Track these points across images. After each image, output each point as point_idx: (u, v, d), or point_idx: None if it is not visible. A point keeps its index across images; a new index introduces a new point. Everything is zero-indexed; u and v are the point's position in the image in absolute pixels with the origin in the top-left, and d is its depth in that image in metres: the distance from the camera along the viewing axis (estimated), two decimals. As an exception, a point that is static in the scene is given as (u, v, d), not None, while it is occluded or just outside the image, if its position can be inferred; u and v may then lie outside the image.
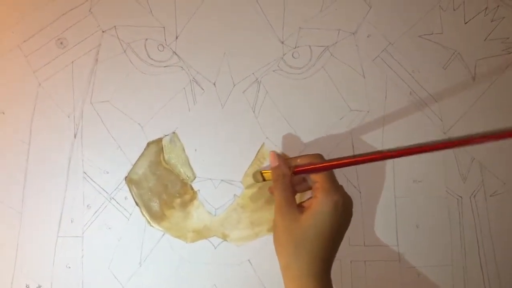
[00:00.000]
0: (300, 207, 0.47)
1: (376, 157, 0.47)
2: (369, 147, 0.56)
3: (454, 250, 0.56)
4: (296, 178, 0.49)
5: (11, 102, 0.55)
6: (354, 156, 0.47)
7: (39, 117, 0.55)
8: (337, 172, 0.54)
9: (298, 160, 0.49)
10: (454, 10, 0.57)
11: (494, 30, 0.57)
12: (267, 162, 0.55)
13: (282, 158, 0.49)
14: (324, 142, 0.54)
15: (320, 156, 0.49)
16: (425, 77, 0.57)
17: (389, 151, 0.46)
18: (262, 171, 0.52)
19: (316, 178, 0.47)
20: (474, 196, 0.56)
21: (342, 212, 0.45)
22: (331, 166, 0.47)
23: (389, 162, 0.56)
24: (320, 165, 0.47)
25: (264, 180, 0.52)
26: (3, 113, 0.54)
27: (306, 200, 0.48)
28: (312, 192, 0.47)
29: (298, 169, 0.48)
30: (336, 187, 0.46)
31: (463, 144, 0.45)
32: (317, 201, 0.45)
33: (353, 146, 0.56)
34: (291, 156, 0.54)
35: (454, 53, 0.57)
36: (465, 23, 0.57)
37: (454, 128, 0.56)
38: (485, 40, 0.57)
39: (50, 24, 0.55)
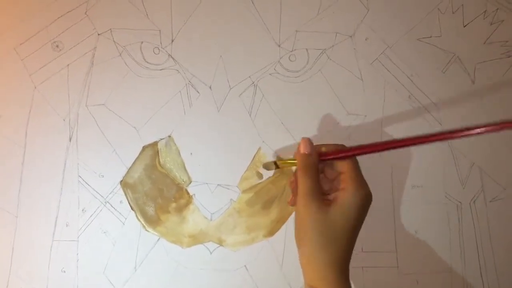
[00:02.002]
0: (325, 199, 0.46)
1: (408, 143, 0.45)
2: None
3: (454, 256, 0.55)
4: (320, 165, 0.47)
5: (6, 105, 0.54)
6: (384, 142, 0.45)
7: (35, 120, 0.54)
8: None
9: (323, 148, 0.47)
10: (453, 13, 0.56)
11: (493, 33, 0.56)
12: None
13: (313, 146, 0.47)
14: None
15: (343, 146, 0.47)
16: (424, 81, 0.56)
17: (420, 136, 0.44)
18: (278, 161, 0.50)
19: (344, 169, 0.46)
20: (474, 201, 0.56)
21: (366, 207, 0.45)
22: (361, 152, 0.46)
23: (388, 167, 0.56)
24: (348, 152, 0.46)
25: (277, 167, 0.50)
26: (-1, 116, 0.54)
27: (331, 194, 0.47)
28: (340, 183, 0.46)
29: (323, 158, 0.46)
30: (364, 180, 0.46)
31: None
32: (347, 193, 0.44)
33: (351, 151, 0.55)
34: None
35: (453, 57, 0.56)
36: (464, 26, 0.56)
37: (454, 132, 0.56)
38: (484, 43, 0.56)
39: (46, 27, 0.55)
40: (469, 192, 0.56)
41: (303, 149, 0.47)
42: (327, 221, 0.43)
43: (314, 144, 0.47)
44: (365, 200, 0.44)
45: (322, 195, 0.45)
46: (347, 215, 0.44)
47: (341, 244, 0.44)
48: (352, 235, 0.44)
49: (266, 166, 0.51)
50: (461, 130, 0.42)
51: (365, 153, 0.46)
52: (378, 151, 0.46)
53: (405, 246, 0.55)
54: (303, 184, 0.45)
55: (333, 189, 0.47)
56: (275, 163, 0.50)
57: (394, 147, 0.45)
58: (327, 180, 0.49)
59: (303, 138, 0.47)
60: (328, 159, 0.47)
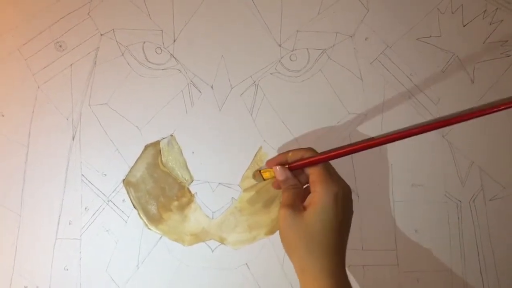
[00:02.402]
0: (304, 206, 0.46)
1: (365, 145, 0.46)
2: (367, 151, 0.55)
3: (453, 254, 0.56)
4: (295, 171, 0.49)
5: (10, 104, 0.55)
6: (343, 147, 0.46)
7: (38, 120, 0.55)
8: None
9: (290, 154, 0.49)
10: (452, 13, 0.56)
11: (492, 33, 0.56)
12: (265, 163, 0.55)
13: (286, 169, 0.48)
14: (322, 146, 0.54)
15: (310, 148, 0.49)
16: (424, 80, 0.56)
17: (376, 138, 0.46)
18: (262, 171, 0.51)
19: (312, 171, 0.47)
20: (474, 200, 0.56)
21: (343, 203, 0.45)
22: (321, 160, 0.47)
23: (387, 166, 0.56)
24: (311, 160, 0.47)
25: (264, 179, 0.52)
26: (3, 115, 0.55)
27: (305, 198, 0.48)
28: (310, 187, 0.47)
29: (291, 167, 0.48)
30: (333, 178, 0.46)
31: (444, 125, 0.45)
32: (317, 196, 0.45)
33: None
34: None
35: (452, 56, 0.56)
36: (464, 26, 0.56)
37: (453, 131, 0.56)
38: (484, 43, 0.56)
39: (49, 27, 0.55)
40: (469, 191, 0.56)
41: (278, 177, 0.49)
42: (304, 227, 0.44)
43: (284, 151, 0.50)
44: (337, 197, 0.44)
45: (302, 204, 0.46)
46: (321, 215, 0.44)
47: (325, 246, 0.44)
48: (335, 235, 0.44)
49: (255, 177, 0.54)
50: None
51: (327, 159, 0.47)
52: (337, 157, 0.47)
53: (405, 244, 0.55)
54: (283, 199, 0.47)
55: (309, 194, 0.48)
56: (260, 174, 0.52)
57: (356, 150, 0.46)
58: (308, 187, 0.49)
59: (273, 167, 0.49)
60: (295, 168, 0.48)
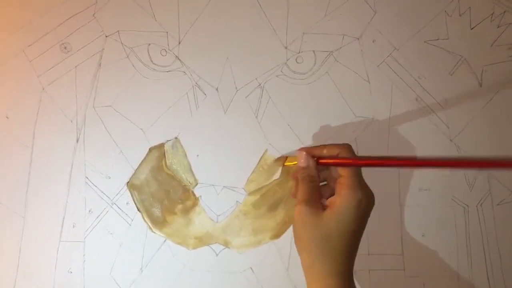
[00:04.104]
0: (322, 205, 0.45)
1: (408, 163, 0.46)
2: (374, 154, 0.55)
3: (460, 259, 0.55)
4: (319, 166, 0.48)
5: (15, 106, 0.55)
6: (385, 158, 0.46)
7: (42, 122, 0.55)
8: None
9: (325, 151, 0.47)
10: (460, 15, 0.56)
11: (500, 36, 0.56)
12: (270, 168, 0.55)
13: (311, 158, 0.47)
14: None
15: (349, 147, 0.47)
16: (431, 83, 0.56)
17: (423, 159, 0.45)
18: (288, 159, 0.51)
19: (342, 172, 0.46)
20: (481, 204, 0.55)
21: (365, 211, 0.45)
22: (358, 164, 0.46)
23: (395, 170, 0.55)
24: (347, 161, 0.46)
25: (284, 165, 0.51)
26: (7, 117, 0.55)
27: (328, 197, 0.47)
28: (335, 187, 0.46)
29: (322, 162, 0.47)
30: (360, 184, 0.45)
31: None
32: (341, 200, 0.44)
33: (358, 153, 0.55)
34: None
35: (460, 59, 0.56)
36: (471, 29, 0.56)
37: (461, 135, 0.56)
38: (491, 46, 0.56)
39: (54, 29, 0.55)
40: (476, 195, 0.56)
41: (301, 163, 0.48)
42: (321, 227, 0.44)
43: (319, 144, 0.48)
44: (361, 205, 0.44)
45: (320, 202, 0.46)
46: (341, 220, 0.43)
47: (340, 250, 0.43)
48: (350, 241, 0.44)
49: (277, 161, 0.53)
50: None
51: (363, 165, 0.46)
52: (381, 166, 0.46)
53: (412, 249, 0.55)
54: (300, 193, 0.46)
55: (332, 193, 0.47)
56: (283, 162, 0.52)
57: (396, 166, 0.45)
58: (331, 186, 0.49)
59: (300, 151, 0.48)
60: (326, 165, 0.47)
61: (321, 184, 0.49)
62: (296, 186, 0.49)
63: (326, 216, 0.44)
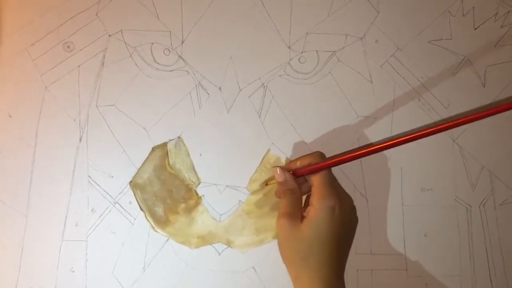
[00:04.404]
0: (302, 217, 0.46)
1: (369, 151, 0.46)
2: (377, 154, 0.55)
3: (463, 259, 0.55)
4: (299, 179, 0.49)
5: (17, 105, 0.55)
6: (349, 152, 0.46)
7: (45, 120, 0.55)
8: (344, 179, 0.54)
9: (298, 163, 0.48)
10: (463, 15, 0.56)
11: (504, 36, 0.56)
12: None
13: (287, 171, 0.48)
14: (331, 149, 0.54)
15: (320, 154, 0.48)
16: (434, 83, 0.56)
17: (380, 142, 0.45)
18: (268, 180, 0.53)
19: (314, 182, 0.46)
20: (484, 205, 0.55)
21: (341, 216, 0.45)
22: (326, 165, 0.46)
23: (397, 170, 0.55)
24: (316, 166, 0.46)
25: (266, 184, 0.53)
26: (10, 115, 0.55)
27: (305, 208, 0.48)
28: (309, 199, 0.47)
29: (298, 173, 0.48)
30: (330, 191, 0.45)
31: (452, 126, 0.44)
32: (313, 209, 0.45)
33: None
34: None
35: (463, 59, 0.56)
36: (475, 29, 0.56)
37: (464, 135, 0.56)
38: (495, 46, 0.56)
39: (57, 28, 0.55)
40: (479, 195, 0.56)
41: (277, 178, 0.49)
42: (300, 239, 0.44)
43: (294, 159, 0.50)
44: (332, 211, 0.44)
45: (300, 215, 0.46)
46: (318, 230, 0.44)
47: (322, 260, 0.44)
48: (333, 249, 0.44)
49: (261, 186, 0.54)
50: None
51: (332, 165, 0.46)
52: (342, 162, 0.46)
53: (414, 249, 0.55)
54: (281, 206, 0.47)
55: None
56: (265, 184, 0.53)
57: (359, 156, 0.46)
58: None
59: (274, 167, 0.49)
60: (301, 175, 0.48)
61: (305, 195, 0.50)
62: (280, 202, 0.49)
63: (303, 227, 0.44)
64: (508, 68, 0.56)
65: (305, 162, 0.48)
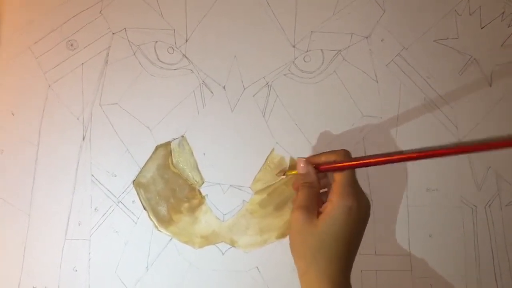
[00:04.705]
0: (318, 212, 0.46)
1: (402, 158, 0.45)
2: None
3: (468, 260, 0.55)
4: (318, 174, 0.48)
5: (21, 103, 0.55)
6: (379, 155, 0.45)
7: (48, 119, 0.55)
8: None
9: (323, 158, 0.48)
10: (470, 14, 0.56)
11: (511, 35, 0.56)
12: (277, 167, 0.55)
13: (311, 165, 0.48)
14: (336, 149, 0.53)
15: (345, 152, 0.48)
16: (440, 83, 0.55)
17: (413, 152, 0.44)
18: (288, 169, 0.52)
19: (336, 178, 0.46)
20: (489, 205, 0.55)
21: (357, 217, 0.45)
22: (353, 165, 0.46)
23: (402, 170, 0.55)
24: (342, 164, 0.46)
25: (284, 175, 0.52)
26: (13, 114, 0.55)
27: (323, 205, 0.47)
28: (329, 195, 0.46)
29: (322, 168, 0.47)
30: (351, 190, 0.45)
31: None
32: (331, 206, 0.44)
33: (365, 153, 0.55)
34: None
35: (470, 59, 0.56)
36: (482, 28, 0.56)
37: (470, 135, 0.55)
38: (501, 45, 0.56)
39: (60, 26, 0.55)
40: (485, 196, 0.55)
41: (300, 170, 0.48)
42: (315, 234, 0.44)
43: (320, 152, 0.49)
44: (351, 212, 0.44)
45: (316, 210, 0.46)
46: (332, 227, 0.44)
47: (332, 258, 0.44)
48: (344, 247, 0.44)
49: (278, 173, 0.54)
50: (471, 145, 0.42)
51: (362, 165, 0.46)
52: (378, 164, 0.45)
53: (419, 249, 0.55)
54: (298, 199, 0.47)
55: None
56: (284, 172, 0.53)
57: (395, 161, 0.45)
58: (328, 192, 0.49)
59: (299, 159, 0.48)
60: (324, 171, 0.47)
61: (322, 191, 0.49)
62: (297, 194, 0.49)
63: (319, 223, 0.44)
64: (515, 67, 0.56)
65: (330, 158, 0.47)
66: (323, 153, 0.48)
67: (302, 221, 0.45)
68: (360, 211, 0.45)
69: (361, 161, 0.46)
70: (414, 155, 0.44)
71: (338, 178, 0.46)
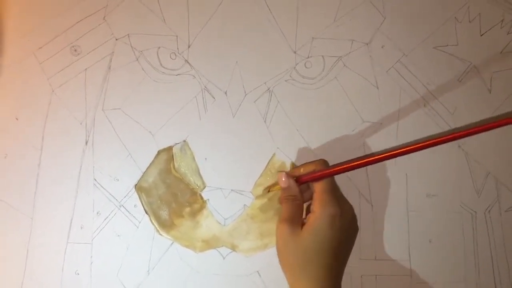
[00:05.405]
0: (303, 224, 0.46)
1: (371, 160, 0.45)
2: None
3: (468, 266, 0.55)
4: (301, 186, 0.49)
5: (24, 108, 0.55)
6: (354, 160, 0.46)
7: (52, 124, 0.55)
8: (350, 185, 0.54)
9: (302, 169, 0.48)
10: (469, 22, 0.56)
11: (510, 42, 0.56)
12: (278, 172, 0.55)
13: (291, 177, 0.48)
14: (336, 154, 0.54)
15: (323, 162, 0.48)
16: (440, 89, 0.56)
17: (383, 152, 0.45)
18: (271, 186, 0.53)
19: (316, 189, 0.46)
20: (489, 211, 0.55)
21: (342, 224, 0.45)
22: (330, 173, 0.46)
23: (402, 176, 0.55)
24: (319, 174, 0.46)
25: (269, 191, 0.53)
26: (17, 118, 0.55)
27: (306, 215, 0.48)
28: (311, 205, 0.47)
29: (302, 180, 0.48)
30: (331, 198, 0.45)
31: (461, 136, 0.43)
32: (314, 216, 0.45)
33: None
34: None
35: (469, 65, 0.56)
36: (481, 35, 0.56)
37: (469, 141, 0.55)
38: (501, 52, 0.56)
39: (64, 32, 0.55)
40: (484, 202, 0.55)
41: (281, 184, 0.49)
42: (299, 246, 0.44)
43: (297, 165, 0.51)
44: (334, 220, 0.44)
45: (300, 221, 0.46)
46: (316, 237, 0.44)
47: (320, 268, 0.44)
48: (332, 256, 0.44)
49: (264, 192, 0.54)
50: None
51: (337, 172, 0.46)
52: (354, 168, 0.46)
53: (419, 255, 0.55)
54: (282, 212, 0.47)
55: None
56: (268, 190, 0.54)
57: (370, 162, 0.46)
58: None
59: (280, 173, 0.49)
60: (304, 182, 0.48)
61: (307, 203, 0.50)
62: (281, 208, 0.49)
63: (303, 234, 0.44)
64: (514, 74, 0.56)
65: (309, 169, 0.48)
66: (302, 164, 0.49)
67: (286, 234, 0.45)
68: (344, 218, 0.45)
69: (337, 168, 0.46)
70: (384, 155, 0.45)
71: (318, 188, 0.46)
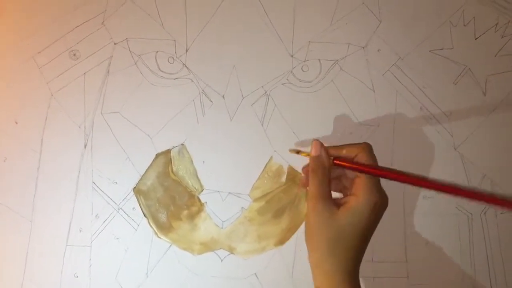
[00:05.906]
0: (336, 202, 0.45)
1: (428, 185, 0.45)
2: (379, 163, 0.55)
3: (464, 267, 0.55)
4: (333, 172, 0.47)
5: (24, 111, 0.55)
6: (404, 173, 0.45)
7: (51, 127, 0.55)
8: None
9: (344, 151, 0.46)
10: (464, 25, 0.56)
11: (504, 46, 0.56)
12: (275, 175, 0.55)
13: (325, 148, 0.47)
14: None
15: (368, 148, 0.46)
16: (436, 92, 0.56)
17: (449, 186, 0.44)
18: (301, 152, 0.49)
19: (360, 173, 0.45)
20: (485, 213, 0.56)
21: (378, 214, 0.45)
22: (376, 174, 0.45)
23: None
24: (363, 169, 0.45)
25: (298, 153, 0.50)
26: (16, 122, 0.55)
27: (343, 197, 0.47)
28: (352, 187, 0.46)
29: (338, 162, 0.46)
30: (378, 187, 0.45)
31: None
32: (357, 200, 0.44)
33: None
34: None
35: (464, 69, 0.56)
36: (476, 39, 0.56)
37: (465, 143, 0.56)
38: (495, 55, 0.56)
39: (63, 36, 0.56)
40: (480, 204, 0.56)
41: (313, 152, 0.47)
42: (334, 226, 0.43)
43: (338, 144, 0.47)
44: (375, 207, 0.44)
45: (332, 198, 0.45)
46: (355, 221, 0.43)
47: (348, 250, 0.43)
48: (360, 242, 0.44)
49: (291, 150, 0.52)
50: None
51: (382, 176, 0.45)
52: (396, 180, 0.45)
53: (416, 256, 0.55)
54: (312, 186, 0.45)
55: (347, 193, 0.47)
56: (298, 151, 0.50)
57: (415, 184, 0.45)
58: (344, 183, 0.49)
59: (314, 140, 0.47)
60: (342, 166, 0.46)
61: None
62: (306, 177, 0.48)
63: (340, 215, 0.43)
64: (509, 77, 0.56)
65: (352, 152, 0.46)
66: (345, 145, 0.47)
67: (321, 211, 0.44)
68: (382, 208, 0.45)
69: (385, 172, 0.45)
70: (438, 186, 0.44)
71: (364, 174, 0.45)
